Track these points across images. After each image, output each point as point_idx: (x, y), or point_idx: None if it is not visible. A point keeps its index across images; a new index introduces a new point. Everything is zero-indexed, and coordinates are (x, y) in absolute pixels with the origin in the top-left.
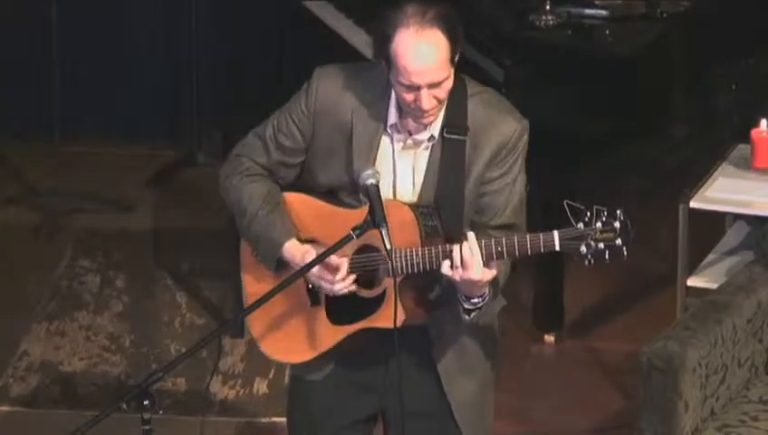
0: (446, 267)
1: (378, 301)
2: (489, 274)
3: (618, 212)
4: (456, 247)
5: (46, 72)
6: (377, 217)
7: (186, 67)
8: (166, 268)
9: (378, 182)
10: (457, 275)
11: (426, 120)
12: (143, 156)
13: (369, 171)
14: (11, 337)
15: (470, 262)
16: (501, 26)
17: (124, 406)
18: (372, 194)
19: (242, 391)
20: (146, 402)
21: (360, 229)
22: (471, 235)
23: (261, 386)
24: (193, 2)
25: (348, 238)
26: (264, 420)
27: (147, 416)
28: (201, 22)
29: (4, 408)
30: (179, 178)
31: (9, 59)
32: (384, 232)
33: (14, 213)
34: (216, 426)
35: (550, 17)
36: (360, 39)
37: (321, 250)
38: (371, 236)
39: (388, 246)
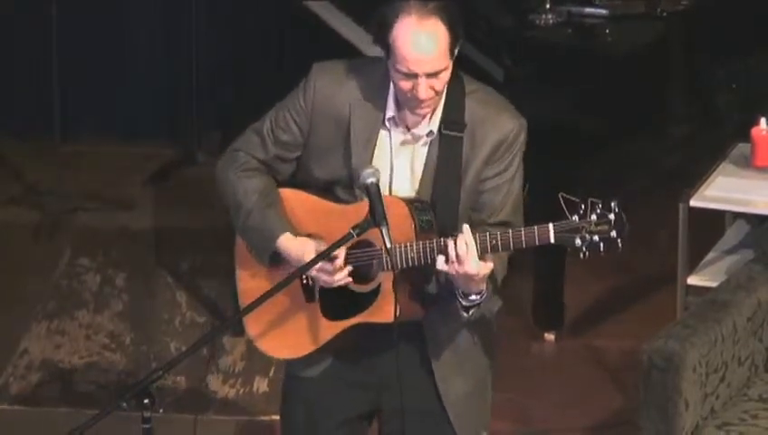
0: (441, 262)
1: (372, 296)
2: (486, 267)
3: (612, 204)
4: (450, 242)
5: (46, 72)
6: (377, 216)
7: (186, 67)
8: (166, 267)
9: (378, 181)
10: (453, 270)
11: (421, 111)
12: (143, 155)
13: (370, 170)
14: (11, 335)
15: (465, 256)
16: (501, 25)
17: (124, 404)
18: (373, 193)
19: (242, 389)
20: (146, 401)
21: (361, 228)
22: (466, 228)
23: (261, 385)
24: (193, 2)
25: (348, 237)
26: (263, 418)
27: (147, 414)
28: (201, 22)
29: (5, 406)
30: (179, 177)
31: (9, 59)
32: (384, 231)
33: (14, 212)
34: (215, 424)
35: (550, 16)
36: (360, 38)
37: (318, 243)
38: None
39: (389, 245)
